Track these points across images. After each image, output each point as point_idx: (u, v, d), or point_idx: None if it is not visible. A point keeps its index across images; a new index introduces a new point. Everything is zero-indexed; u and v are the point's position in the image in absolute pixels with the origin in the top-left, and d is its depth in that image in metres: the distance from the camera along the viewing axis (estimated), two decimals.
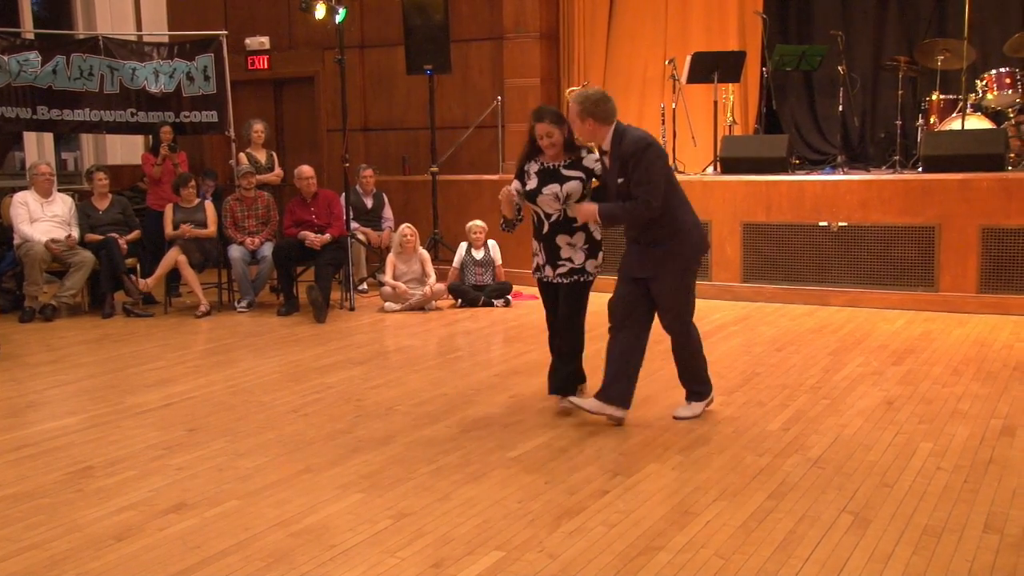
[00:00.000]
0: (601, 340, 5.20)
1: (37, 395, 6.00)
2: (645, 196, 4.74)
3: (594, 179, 5.20)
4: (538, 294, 5.53)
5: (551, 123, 5.12)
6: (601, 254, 5.32)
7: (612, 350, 5.04)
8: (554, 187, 5.15)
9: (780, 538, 3.57)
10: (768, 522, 3.72)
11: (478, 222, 9.00)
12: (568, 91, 10.68)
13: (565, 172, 5.17)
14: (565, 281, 5.26)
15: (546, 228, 5.25)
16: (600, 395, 5.02)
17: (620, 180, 4.84)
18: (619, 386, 4.99)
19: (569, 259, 5.23)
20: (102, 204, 9.00)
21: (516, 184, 5.28)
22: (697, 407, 5.18)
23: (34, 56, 9.33)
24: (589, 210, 4.98)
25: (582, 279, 5.26)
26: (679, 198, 4.93)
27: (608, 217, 4.95)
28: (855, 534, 3.60)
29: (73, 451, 4.80)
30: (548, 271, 5.30)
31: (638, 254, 4.97)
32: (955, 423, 4.94)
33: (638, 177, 4.75)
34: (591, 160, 5.19)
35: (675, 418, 5.11)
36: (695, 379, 5.21)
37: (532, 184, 5.23)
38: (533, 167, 5.24)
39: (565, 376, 5.40)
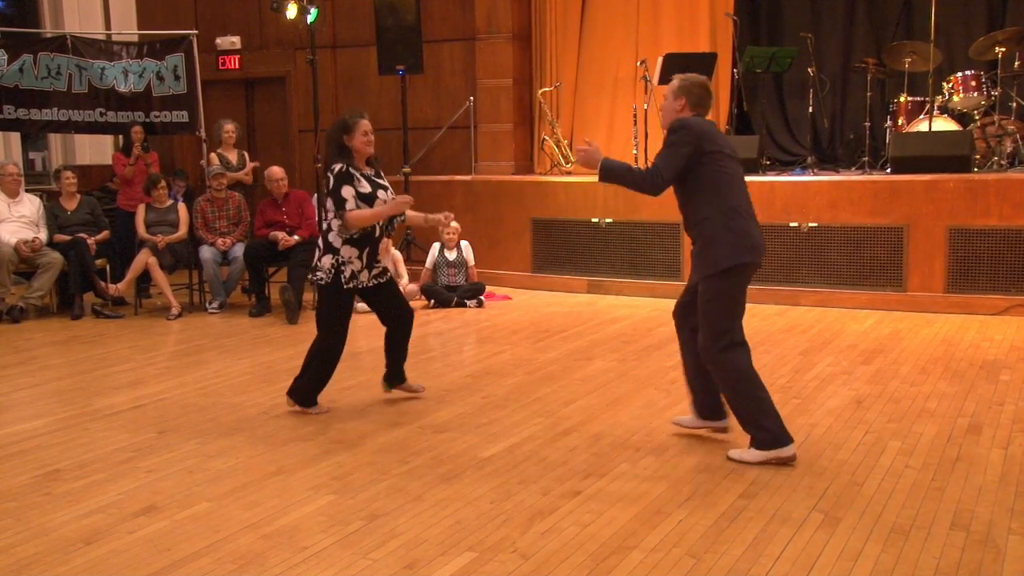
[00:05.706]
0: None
1: (4, 397, 5.92)
2: (656, 164, 4.37)
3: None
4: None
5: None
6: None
7: (686, 367, 4.73)
8: (383, 193, 5.19)
9: (751, 537, 3.60)
10: (739, 521, 3.75)
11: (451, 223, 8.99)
12: (540, 92, 10.72)
13: (378, 180, 5.25)
14: (382, 280, 5.36)
15: (378, 232, 5.24)
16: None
17: None
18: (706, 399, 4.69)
19: (379, 260, 5.34)
20: (71, 204, 8.90)
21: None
22: (756, 454, 4.35)
23: (0, 55, 9.22)
24: (593, 157, 4.42)
25: (386, 278, 5.41)
26: (717, 196, 4.39)
27: (608, 169, 4.39)
28: (825, 532, 3.63)
29: (41, 454, 4.75)
30: (364, 276, 5.25)
31: (693, 256, 4.54)
32: (923, 422, 5.00)
33: (661, 150, 4.42)
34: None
35: (728, 458, 4.45)
36: (742, 421, 4.42)
37: (367, 188, 5.15)
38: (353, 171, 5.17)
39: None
